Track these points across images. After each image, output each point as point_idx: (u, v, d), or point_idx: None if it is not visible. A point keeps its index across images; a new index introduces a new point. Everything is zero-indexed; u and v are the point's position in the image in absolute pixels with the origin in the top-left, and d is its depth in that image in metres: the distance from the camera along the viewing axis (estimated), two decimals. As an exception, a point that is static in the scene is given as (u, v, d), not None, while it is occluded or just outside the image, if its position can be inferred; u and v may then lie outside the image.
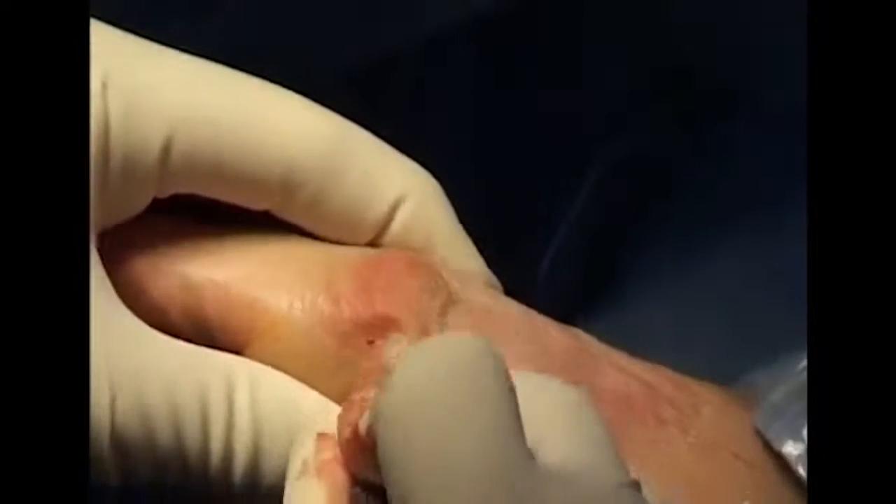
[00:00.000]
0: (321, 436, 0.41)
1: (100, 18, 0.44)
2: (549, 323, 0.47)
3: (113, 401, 0.40)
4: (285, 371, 0.44)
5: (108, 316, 0.41)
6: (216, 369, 0.42)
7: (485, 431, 0.35)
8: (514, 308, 0.47)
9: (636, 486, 0.37)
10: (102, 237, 0.44)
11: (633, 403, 0.45)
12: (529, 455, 0.36)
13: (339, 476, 0.40)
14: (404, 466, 0.36)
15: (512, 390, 0.37)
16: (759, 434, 0.45)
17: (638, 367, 0.47)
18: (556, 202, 0.66)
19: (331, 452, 0.41)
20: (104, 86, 0.43)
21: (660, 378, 0.47)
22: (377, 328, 0.44)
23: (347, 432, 0.40)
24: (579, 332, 0.47)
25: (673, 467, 0.44)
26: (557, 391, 0.39)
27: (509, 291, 0.49)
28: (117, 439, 0.40)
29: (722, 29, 0.65)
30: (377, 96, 0.58)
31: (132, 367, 0.40)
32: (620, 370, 0.46)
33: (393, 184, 0.46)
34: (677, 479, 0.44)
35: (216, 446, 0.41)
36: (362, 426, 0.39)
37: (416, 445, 0.36)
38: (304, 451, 0.41)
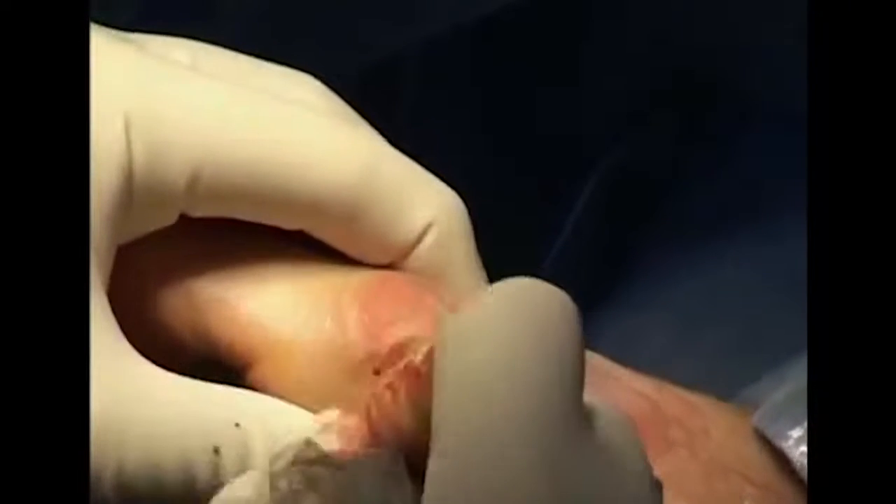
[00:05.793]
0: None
1: (105, 24, 0.44)
2: None
3: (121, 449, 0.39)
4: (288, 395, 0.43)
5: (113, 359, 0.41)
6: (227, 412, 0.41)
7: (541, 385, 0.35)
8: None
9: (660, 486, 0.38)
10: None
11: (641, 423, 0.45)
12: (582, 420, 0.36)
13: (358, 439, 0.41)
14: (450, 393, 0.36)
15: (582, 360, 0.37)
16: (757, 432, 0.45)
17: (645, 384, 0.47)
18: (556, 208, 0.66)
19: (354, 420, 0.41)
20: (127, 119, 0.42)
21: (667, 397, 0.47)
22: (384, 358, 0.43)
23: (400, 366, 0.40)
24: (587, 350, 0.47)
25: (682, 489, 0.44)
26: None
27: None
28: (124, 488, 0.40)
29: (722, 31, 0.65)
30: (376, 101, 0.59)
31: (140, 415, 0.40)
32: (627, 389, 0.46)
33: (423, 208, 0.46)
34: (687, 500, 0.44)
35: None
36: (421, 354, 0.39)
37: (467, 376, 0.36)
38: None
